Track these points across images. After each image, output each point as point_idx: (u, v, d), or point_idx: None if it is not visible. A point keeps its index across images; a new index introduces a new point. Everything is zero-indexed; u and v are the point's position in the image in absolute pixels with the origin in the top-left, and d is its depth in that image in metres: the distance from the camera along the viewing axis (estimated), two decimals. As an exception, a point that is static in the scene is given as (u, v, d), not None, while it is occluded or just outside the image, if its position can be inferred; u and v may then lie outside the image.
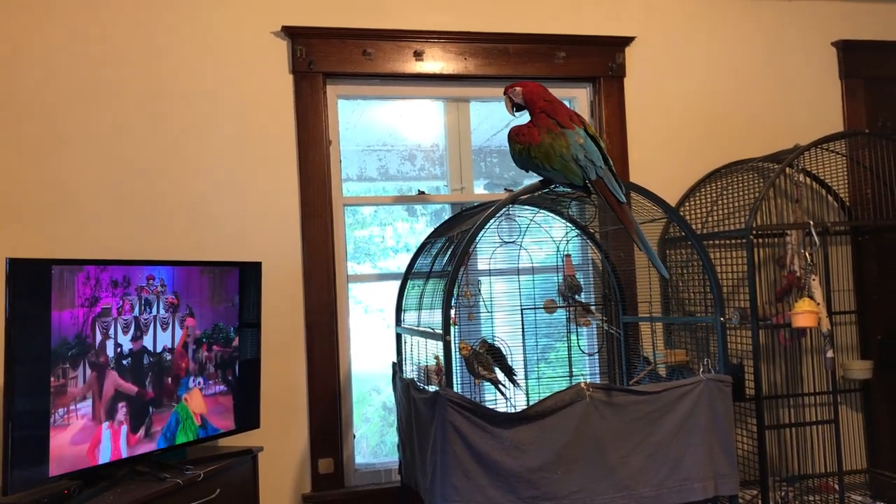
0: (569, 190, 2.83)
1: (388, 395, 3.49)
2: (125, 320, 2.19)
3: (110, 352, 2.22)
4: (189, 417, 2.49)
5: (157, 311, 2.28)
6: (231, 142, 3.14)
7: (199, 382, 2.46)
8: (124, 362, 2.25)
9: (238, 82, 3.16)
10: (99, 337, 2.18)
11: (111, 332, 2.14)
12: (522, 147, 2.57)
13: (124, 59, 3.06)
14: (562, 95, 2.66)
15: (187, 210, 3.08)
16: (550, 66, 3.42)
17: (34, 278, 2.20)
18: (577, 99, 3.55)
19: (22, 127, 2.94)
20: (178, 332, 2.39)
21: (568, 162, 2.47)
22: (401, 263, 3.45)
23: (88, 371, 2.14)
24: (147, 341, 2.31)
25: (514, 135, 2.60)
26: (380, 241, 3.66)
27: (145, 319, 2.25)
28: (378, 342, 3.44)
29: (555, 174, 2.53)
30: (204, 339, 2.50)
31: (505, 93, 2.66)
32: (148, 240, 3.02)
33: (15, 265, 2.16)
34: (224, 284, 2.70)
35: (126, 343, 2.24)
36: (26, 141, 2.94)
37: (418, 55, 3.30)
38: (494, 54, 3.38)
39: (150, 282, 2.29)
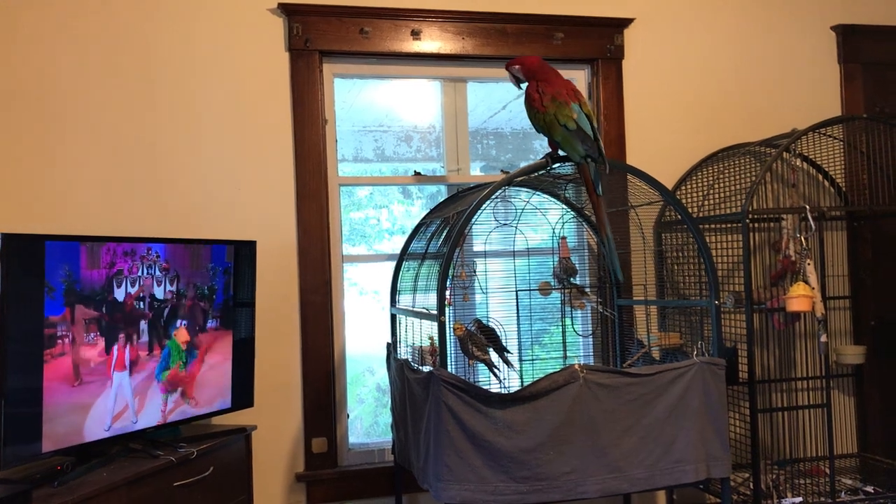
0: (566, 172, 2.83)
1: (381, 376, 3.50)
2: (133, 278, 2.54)
3: (120, 297, 2.51)
4: (178, 348, 2.70)
5: (154, 273, 2.62)
6: (226, 120, 3.12)
7: (184, 323, 2.73)
8: (135, 304, 2.57)
9: (234, 60, 3.13)
10: (115, 287, 2.48)
11: (124, 284, 2.52)
12: (532, 112, 2.60)
13: (119, 36, 3.02)
14: (560, 77, 2.67)
15: (182, 188, 3.06)
16: (549, 46, 3.40)
17: (28, 254, 2.19)
18: (576, 80, 3.52)
19: (16, 106, 2.91)
20: (170, 287, 2.68)
21: (570, 135, 2.50)
22: (396, 246, 3.44)
23: (108, 308, 2.47)
24: (145, 293, 2.61)
25: (527, 97, 2.62)
26: (375, 224, 3.65)
27: (145, 278, 2.59)
28: (373, 324, 3.43)
29: (557, 145, 2.57)
30: (188, 293, 2.75)
31: (507, 68, 2.68)
32: (143, 216, 3.01)
33: (8, 240, 2.14)
34: (212, 256, 2.83)
35: (132, 291, 2.56)
36: (21, 119, 2.91)
37: (416, 34, 3.28)
38: (492, 34, 3.36)
39: (149, 252, 2.60)
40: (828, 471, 3.11)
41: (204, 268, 2.77)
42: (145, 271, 2.56)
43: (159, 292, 2.61)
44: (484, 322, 2.96)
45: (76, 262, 2.33)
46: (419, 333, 2.90)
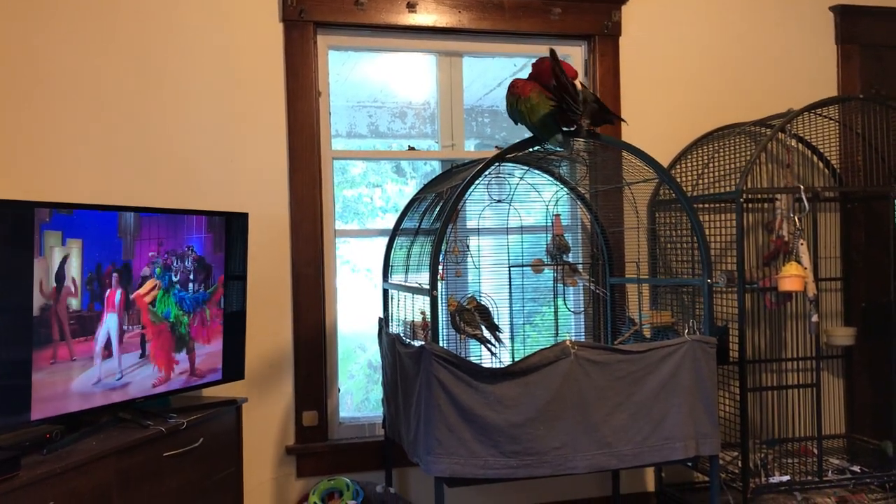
0: (558, 148, 2.82)
1: (373, 353, 3.49)
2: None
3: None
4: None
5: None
6: (219, 90, 3.09)
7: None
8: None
9: (227, 30, 3.10)
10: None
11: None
12: (513, 98, 2.62)
13: (111, 6, 2.98)
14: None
15: (174, 158, 3.04)
16: (546, 22, 3.37)
17: (16, 222, 2.17)
18: (572, 57, 3.50)
19: (7, 78, 2.88)
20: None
21: (547, 121, 2.52)
22: (389, 224, 3.42)
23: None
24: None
25: (511, 86, 2.65)
26: (368, 201, 3.63)
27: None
28: (364, 301, 3.42)
29: (534, 129, 2.58)
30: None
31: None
32: (135, 187, 2.99)
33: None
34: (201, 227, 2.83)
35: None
36: (12, 93, 2.88)
37: (411, 7, 3.24)
38: (489, 8, 3.32)
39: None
40: (815, 451, 3.13)
41: (216, 242, 2.82)
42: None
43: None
44: (477, 298, 2.95)
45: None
46: (411, 309, 2.90)
